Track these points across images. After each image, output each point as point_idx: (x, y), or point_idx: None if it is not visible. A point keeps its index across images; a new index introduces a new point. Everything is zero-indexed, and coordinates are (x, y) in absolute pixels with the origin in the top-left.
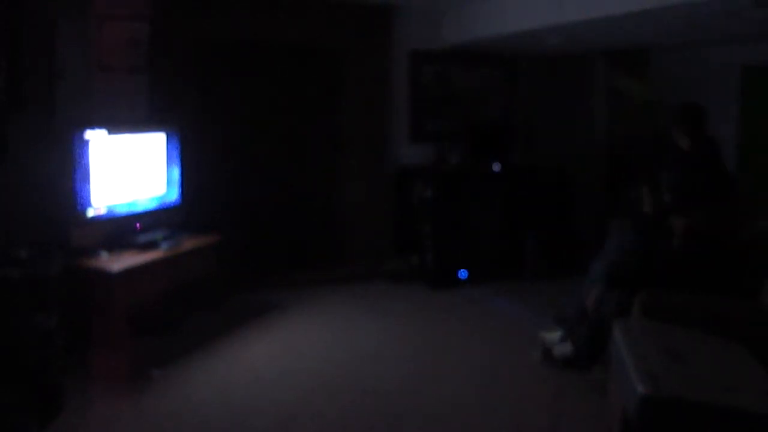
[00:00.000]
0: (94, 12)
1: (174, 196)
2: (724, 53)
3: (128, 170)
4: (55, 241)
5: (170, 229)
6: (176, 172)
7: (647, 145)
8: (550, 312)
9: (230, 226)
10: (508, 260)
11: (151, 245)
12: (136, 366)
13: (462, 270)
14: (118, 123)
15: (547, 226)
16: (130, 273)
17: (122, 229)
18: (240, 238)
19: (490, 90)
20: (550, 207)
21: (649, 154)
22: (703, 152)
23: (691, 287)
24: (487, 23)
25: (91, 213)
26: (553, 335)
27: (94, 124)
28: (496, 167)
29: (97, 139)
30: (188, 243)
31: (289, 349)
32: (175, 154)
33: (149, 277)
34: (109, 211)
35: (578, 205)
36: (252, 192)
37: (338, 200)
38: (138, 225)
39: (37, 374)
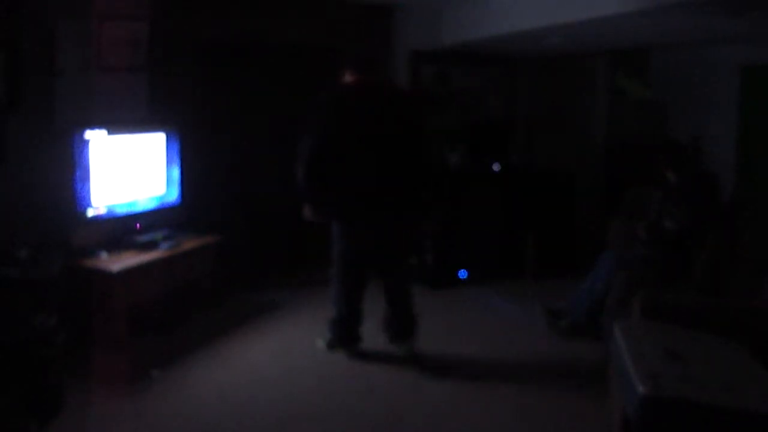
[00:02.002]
0: (94, 12)
1: (174, 196)
2: (724, 53)
3: (128, 170)
4: (55, 241)
5: (170, 229)
6: (176, 172)
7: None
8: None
9: (230, 225)
10: (508, 260)
11: (151, 245)
12: (136, 366)
13: (462, 270)
14: (117, 123)
15: (547, 226)
16: (130, 273)
17: (122, 229)
18: (240, 237)
19: (490, 90)
20: (550, 207)
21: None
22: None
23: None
24: (487, 23)
25: (91, 213)
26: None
27: (93, 124)
28: (496, 167)
29: (97, 139)
30: (188, 243)
31: (289, 349)
32: (175, 154)
33: (149, 277)
34: (109, 211)
35: (578, 204)
36: (252, 192)
37: None
38: (138, 225)
39: (37, 374)
